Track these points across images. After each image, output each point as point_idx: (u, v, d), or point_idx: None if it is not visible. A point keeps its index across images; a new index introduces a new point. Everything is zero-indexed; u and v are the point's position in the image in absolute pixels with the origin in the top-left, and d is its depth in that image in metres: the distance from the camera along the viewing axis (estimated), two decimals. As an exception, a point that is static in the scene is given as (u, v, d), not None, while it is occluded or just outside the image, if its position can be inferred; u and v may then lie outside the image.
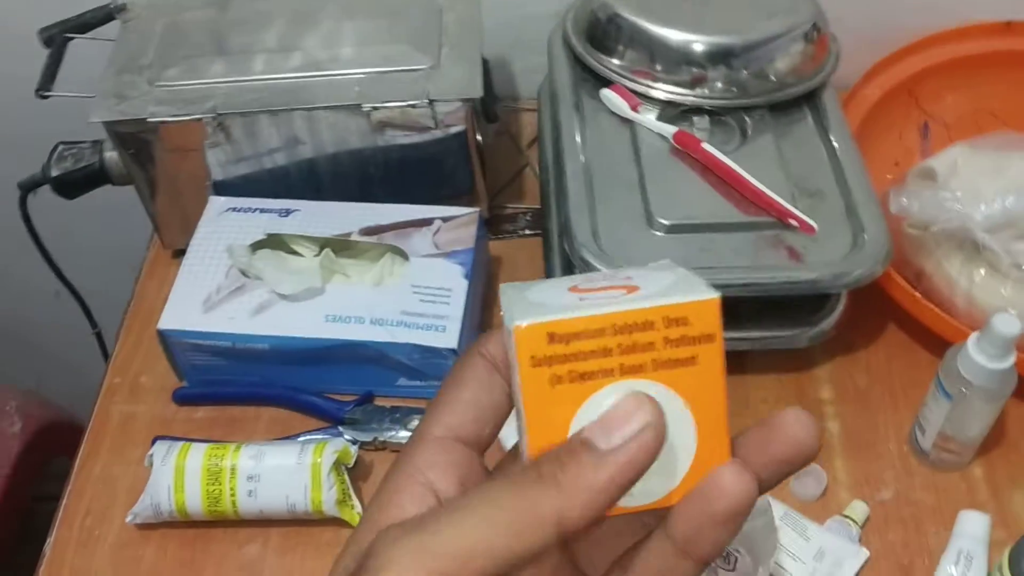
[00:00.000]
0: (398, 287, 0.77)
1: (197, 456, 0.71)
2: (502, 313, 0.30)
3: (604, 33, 0.86)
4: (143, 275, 0.91)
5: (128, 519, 0.72)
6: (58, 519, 0.75)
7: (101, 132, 0.82)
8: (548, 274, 0.83)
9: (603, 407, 0.28)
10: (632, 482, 0.27)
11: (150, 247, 0.93)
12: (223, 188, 0.85)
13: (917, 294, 0.76)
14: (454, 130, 0.82)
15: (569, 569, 0.34)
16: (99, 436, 0.79)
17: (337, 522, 0.72)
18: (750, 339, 0.78)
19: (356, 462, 0.74)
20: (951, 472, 0.74)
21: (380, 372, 0.77)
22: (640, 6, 0.83)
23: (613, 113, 0.83)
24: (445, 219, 0.82)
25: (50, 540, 0.74)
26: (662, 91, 0.83)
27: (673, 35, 0.82)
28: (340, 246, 0.80)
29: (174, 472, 0.71)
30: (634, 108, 0.83)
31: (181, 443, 0.72)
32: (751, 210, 0.75)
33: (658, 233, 0.75)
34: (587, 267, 0.72)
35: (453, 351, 0.74)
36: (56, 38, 0.87)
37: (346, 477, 0.72)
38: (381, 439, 0.76)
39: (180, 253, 0.82)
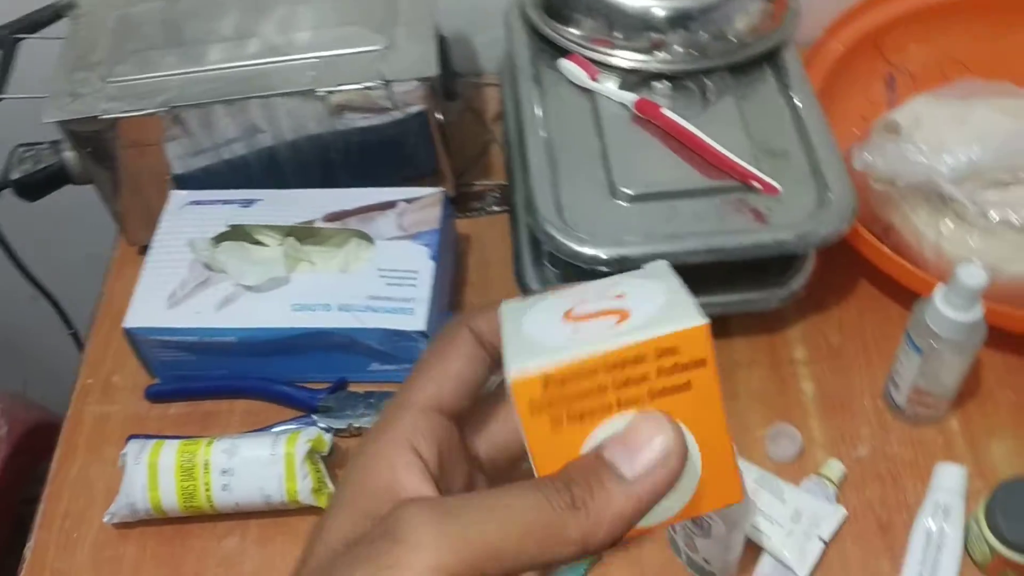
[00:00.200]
0: (364, 272, 0.77)
1: (170, 453, 0.71)
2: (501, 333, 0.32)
3: (561, 2, 0.84)
4: (111, 274, 0.90)
5: (105, 519, 0.72)
6: (37, 523, 0.75)
7: (59, 132, 0.81)
8: (515, 251, 0.82)
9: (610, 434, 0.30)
10: (653, 505, 0.29)
11: (117, 245, 0.92)
12: (184, 181, 0.84)
13: (885, 249, 0.76)
14: (413, 110, 0.81)
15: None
16: (74, 437, 0.79)
17: (314, 511, 0.71)
18: (720, 304, 0.77)
19: (331, 450, 0.74)
20: (927, 426, 0.74)
21: (351, 358, 0.77)
22: (595, -27, 0.82)
23: (573, 84, 0.82)
24: (409, 201, 0.81)
25: (30, 544, 0.74)
26: (621, 59, 0.82)
27: (630, 1, 0.81)
28: (304, 234, 0.80)
29: (148, 470, 0.70)
30: (593, 77, 0.82)
31: (153, 441, 0.72)
32: (714, 174, 0.75)
33: (622, 203, 0.74)
34: (551, 242, 0.72)
35: (422, 334, 0.73)
36: (5, 40, 0.85)
37: (321, 466, 0.71)
38: (356, 425, 0.76)
39: (146, 250, 0.81)
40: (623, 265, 0.70)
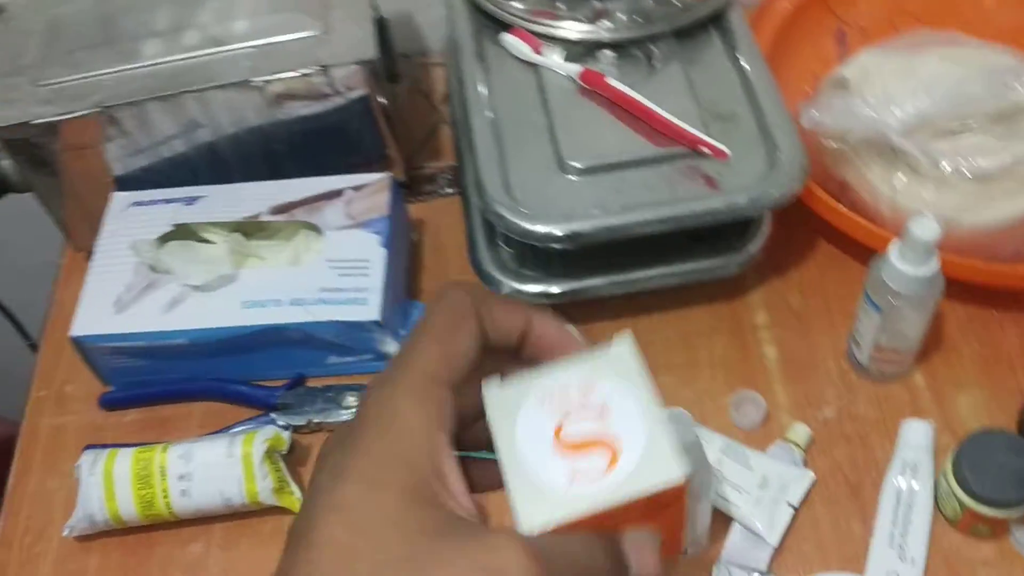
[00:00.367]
0: (315, 264, 0.75)
1: (125, 461, 0.69)
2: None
3: (501, -24, 0.83)
4: (60, 281, 0.88)
5: (65, 533, 0.70)
6: (-4, 541, 0.73)
7: (-8, 140, 0.79)
8: (469, 234, 0.81)
9: None
10: None
11: (64, 252, 0.90)
12: (126, 183, 0.82)
13: (840, 207, 0.75)
14: (355, 95, 0.79)
15: None
16: (30, 451, 0.77)
17: (278, 511, 0.70)
18: (679, 273, 0.76)
19: (292, 447, 0.73)
20: (892, 383, 0.73)
21: (308, 353, 0.75)
22: (532, -56, 0.80)
23: (517, 59, 0.81)
24: (356, 188, 0.79)
25: (-9, 564, 0.72)
26: (565, 30, 0.81)
27: (571, -30, 0.79)
28: (251, 228, 0.78)
29: (103, 480, 0.69)
30: (537, 51, 0.80)
31: (108, 450, 0.70)
32: (663, 142, 0.73)
33: (572, 177, 0.73)
34: (502, 222, 0.70)
35: (377, 323, 0.72)
36: (-69, 48, 0.83)
37: (281, 464, 0.70)
38: (316, 421, 0.74)
39: (92, 255, 0.79)
40: (576, 241, 0.69)
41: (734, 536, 0.66)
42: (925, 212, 0.71)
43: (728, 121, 0.75)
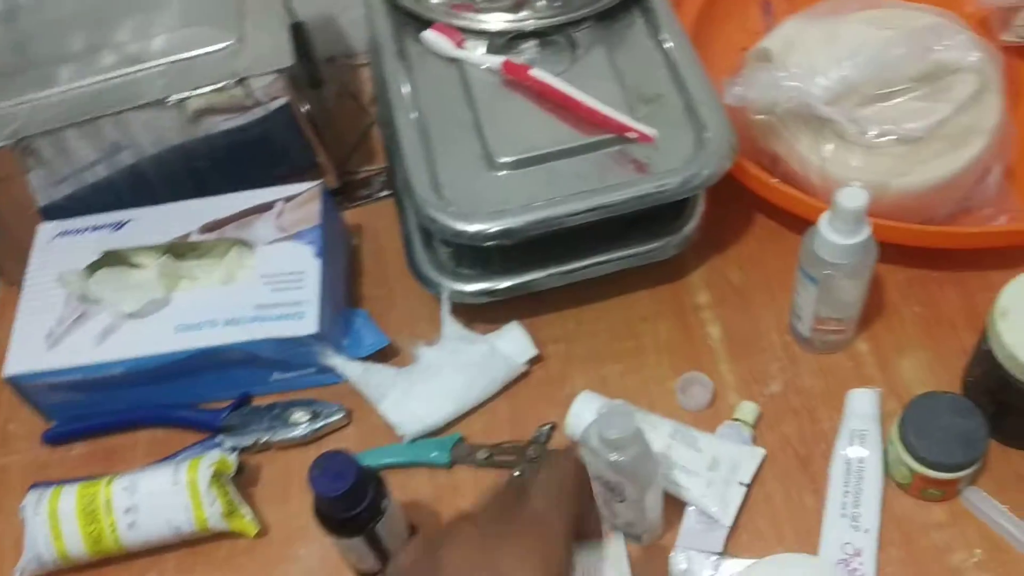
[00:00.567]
0: (249, 281, 0.74)
1: (70, 498, 0.68)
2: None
3: (417, -29, 0.81)
4: (-6, 318, 0.86)
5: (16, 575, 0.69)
6: (-54, 590, 0.71)
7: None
8: (405, 236, 0.80)
9: None
10: None
11: (-3, 287, 0.88)
12: (52, 212, 0.80)
13: (772, 180, 0.75)
14: (276, 104, 0.78)
15: None
16: (-24, 495, 0.76)
17: (230, 535, 0.69)
18: (617, 259, 0.76)
19: (241, 468, 0.72)
20: (837, 352, 0.73)
21: (250, 371, 0.74)
22: (445, -63, 0.79)
23: (440, 55, 0.80)
24: (287, 199, 0.78)
25: (-58, 614, 0.71)
26: (486, 22, 0.80)
27: (485, -41, 0.78)
28: (182, 249, 0.76)
29: (48, 519, 0.67)
30: (459, 45, 0.79)
31: (52, 488, 0.69)
32: (590, 130, 0.73)
33: (501, 173, 0.72)
34: (434, 224, 0.69)
35: (315, 337, 0.71)
36: None
37: (230, 488, 0.69)
38: (263, 440, 0.73)
39: (22, 289, 0.77)
40: (510, 237, 0.69)
41: (688, 520, 0.66)
42: (855, 180, 0.71)
43: (654, 103, 0.75)
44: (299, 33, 0.86)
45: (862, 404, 0.68)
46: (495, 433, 0.72)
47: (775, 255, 0.78)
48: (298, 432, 0.73)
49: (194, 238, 0.76)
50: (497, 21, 0.80)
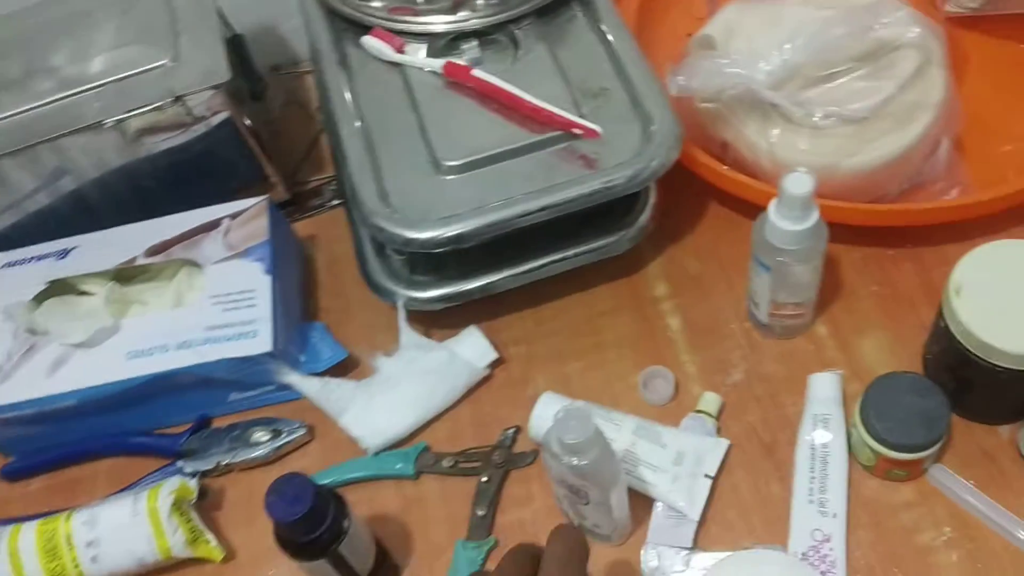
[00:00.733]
0: (199, 302, 0.73)
1: (29, 535, 0.66)
2: None
3: (351, -24, 0.80)
4: (-55, 354, 0.84)
5: (-22, 619, 0.68)
6: (-91, 638, 0.70)
7: None
8: (357, 245, 0.78)
9: None
10: None
11: (-55, 322, 0.86)
12: (-4, 243, 0.79)
13: (722, 167, 0.74)
14: (217, 120, 0.76)
15: None
16: (-65, 538, 0.74)
17: (196, 562, 0.68)
18: (573, 256, 0.75)
19: (204, 492, 0.71)
20: (797, 337, 0.73)
21: (207, 394, 0.73)
22: (380, -61, 0.78)
23: (381, 60, 0.78)
24: (233, 216, 0.76)
25: (-94, 662, 0.69)
26: (425, 24, 0.79)
27: (422, -40, 0.77)
28: (129, 274, 0.75)
29: (9, 559, 0.66)
30: (399, 49, 0.78)
31: (11, 526, 0.68)
32: (536, 128, 0.72)
33: (448, 177, 0.71)
34: (382, 233, 0.68)
35: (270, 355, 0.70)
36: None
37: (192, 514, 0.68)
38: (224, 463, 0.72)
39: (-32, 325, 0.76)
40: (460, 243, 0.68)
41: (657, 516, 0.65)
42: (804, 162, 0.71)
43: (600, 97, 0.74)
44: (237, 46, 0.85)
45: (824, 388, 0.68)
46: (459, 439, 0.72)
47: (731, 242, 0.78)
48: (260, 452, 0.72)
49: (141, 262, 0.75)
50: (437, 23, 0.78)
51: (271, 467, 0.72)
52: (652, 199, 0.76)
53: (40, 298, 0.74)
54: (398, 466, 0.70)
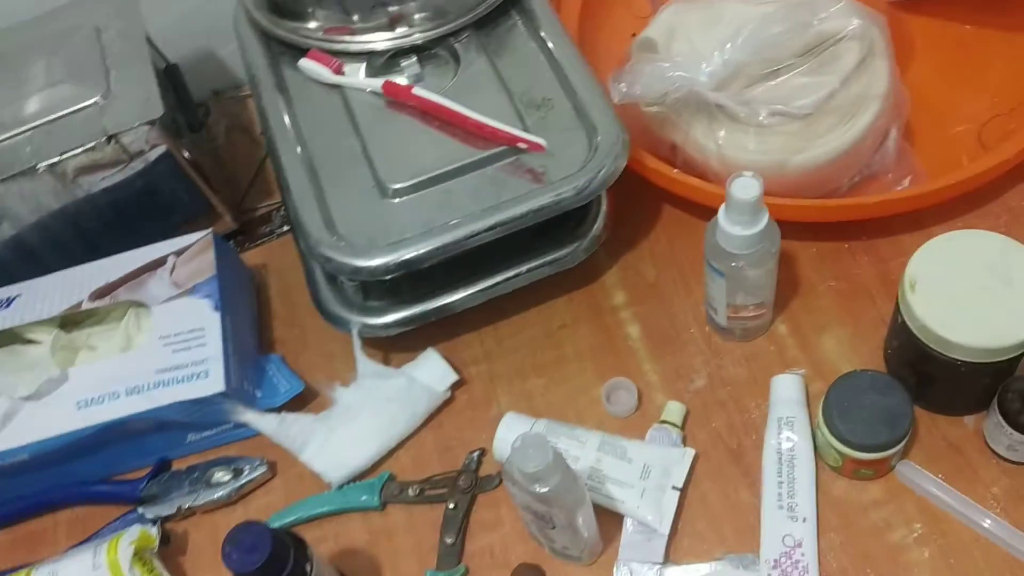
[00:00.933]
0: (148, 345, 0.71)
1: (-12, 598, 0.65)
2: None
3: (286, -1, 0.78)
4: None
5: None
6: None
7: None
8: (307, 273, 0.77)
9: None
10: None
11: None
12: (-63, 296, 0.76)
13: (672, 171, 0.74)
14: (154, 155, 0.75)
15: None
16: None
17: (161, 611, 0.67)
18: (528, 272, 0.74)
19: (167, 538, 0.69)
20: (758, 338, 0.72)
21: (164, 436, 0.71)
22: (311, -40, 0.76)
23: (320, 83, 0.77)
24: (178, 252, 0.75)
25: None
26: (363, 43, 0.77)
27: (356, -22, 0.76)
28: (76, 319, 0.73)
29: (-31, 623, 0.64)
30: (337, 71, 0.76)
31: (-31, 588, 0.66)
32: (481, 144, 0.71)
33: (395, 200, 0.69)
34: (330, 264, 0.67)
35: (223, 395, 0.68)
36: None
37: (155, 563, 0.66)
38: (186, 506, 0.70)
39: (-89, 382, 0.74)
40: (410, 268, 0.66)
41: (627, 532, 0.65)
42: (752, 161, 0.70)
43: (544, 108, 0.73)
44: (172, 76, 0.83)
45: (786, 390, 0.67)
46: (424, 466, 0.70)
47: (687, 245, 0.77)
48: (222, 493, 0.70)
49: (86, 306, 0.73)
50: (374, 41, 0.77)
51: (234, 507, 0.71)
52: (604, 208, 0.75)
53: (-16, 351, 0.72)
54: (363, 498, 0.69)
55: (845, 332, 0.71)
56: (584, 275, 0.77)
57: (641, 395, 0.71)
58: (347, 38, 0.78)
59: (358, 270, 0.66)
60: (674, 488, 0.65)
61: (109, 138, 0.71)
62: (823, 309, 0.73)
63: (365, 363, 0.72)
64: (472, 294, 0.73)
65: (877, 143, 0.73)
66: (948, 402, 0.66)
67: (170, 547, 0.69)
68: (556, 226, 0.73)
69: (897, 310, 0.63)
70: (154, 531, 0.67)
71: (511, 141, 0.69)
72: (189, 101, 0.81)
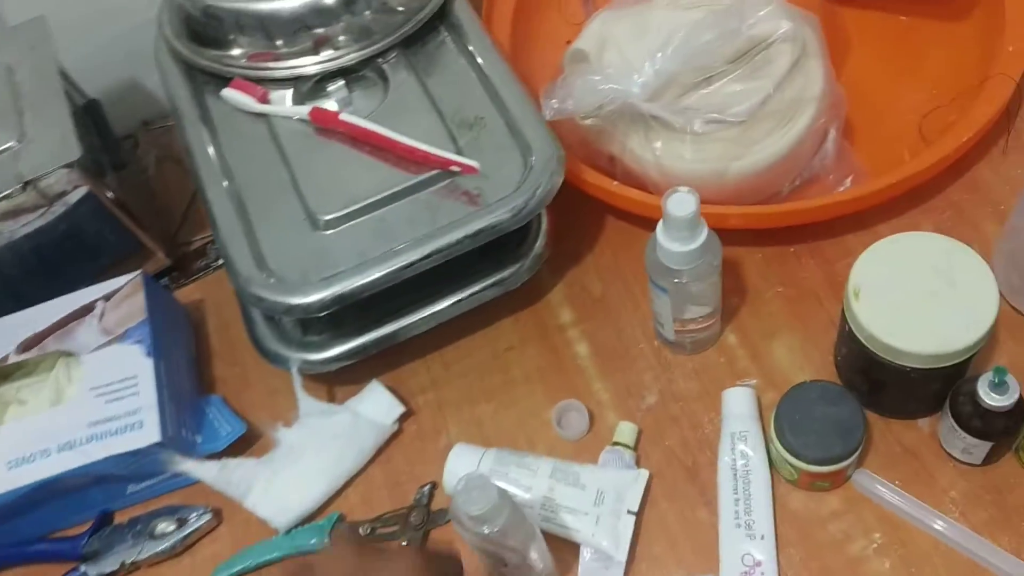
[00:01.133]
0: (79, 397, 0.68)
1: (-77, 675, 0.62)
2: None
3: (205, 27, 0.76)
4: None
5: None
6: None
7: None
8: (243, 308, 0.75)
9: None
10: None
11: None
12: None
13: (611, 184, 0.72)
14: (75, 197, 0.72)
15: None
16: None
17: (109, 673, 0.64)
18: (470, 297, 0.72)
19: (112, 595, 0.67)
20: (708, 349, 0.71)
21: (102, 490, 0.69)
22: (225, -15, 0.73)
23: (245, 112, 0.74)
24: (107, 297, 0.72)
25: None
26: (287, 68, 0.75)
27: (277, 2, 0.73)
28: (3, 372, 0.71)
29: None
30: (263, 99, 0.74)
31: (-97, 665, 0.63)
32: (414, 168, 0.69)
33: (327, 232, 0.67)
34: (261, 303, 0.64)
35: (159, 444, 0.66)
36: None
37: (99, 623, 0.64)
38: (130, 561, 0.68)
39: None
40: (344, 302, 0.64)
41: (584, 561, 0.63)
42: (690, 170, 0.69)
43: (477, 127, 0.71)
44: (93, 112, 0.80)
45: (738, 404, 0.66)
46: (374, 503, 0.68)
47: (631, 259, 0.76)
48: (166, 544, 0.68)
49: (13, 359, 0.70)
50: (300, 66, 0.74)
51: (180, 559, 0.68)
52: (544, 226, 0.73)
53: (-92, 413, 0.69)
54: (312, 541, 0.67)
55: (795, 338, 0.70)
56: (529, 294, 0.75)
57: (593, 415, 0.69)
58: (272, 64, 0.75)
59: (292, 308, 0.64)
60: (629, 512, 0.63)
61: (25, 184, 0.68)
62: (772, 315, 0.72)
63: (307, 401, 0.70)
64: (415, 322, 0.71)
65: (816, 145, 0.72)
66: (901, 406, 0.65)
67: (116, 603, 0.67)
68: (497, 247, 0.72)
69: (844, 319, 0.62)
70: (96, 591, 0.65)
71: (444, 164, 0.67)
72: (112, 137, 0.78)
